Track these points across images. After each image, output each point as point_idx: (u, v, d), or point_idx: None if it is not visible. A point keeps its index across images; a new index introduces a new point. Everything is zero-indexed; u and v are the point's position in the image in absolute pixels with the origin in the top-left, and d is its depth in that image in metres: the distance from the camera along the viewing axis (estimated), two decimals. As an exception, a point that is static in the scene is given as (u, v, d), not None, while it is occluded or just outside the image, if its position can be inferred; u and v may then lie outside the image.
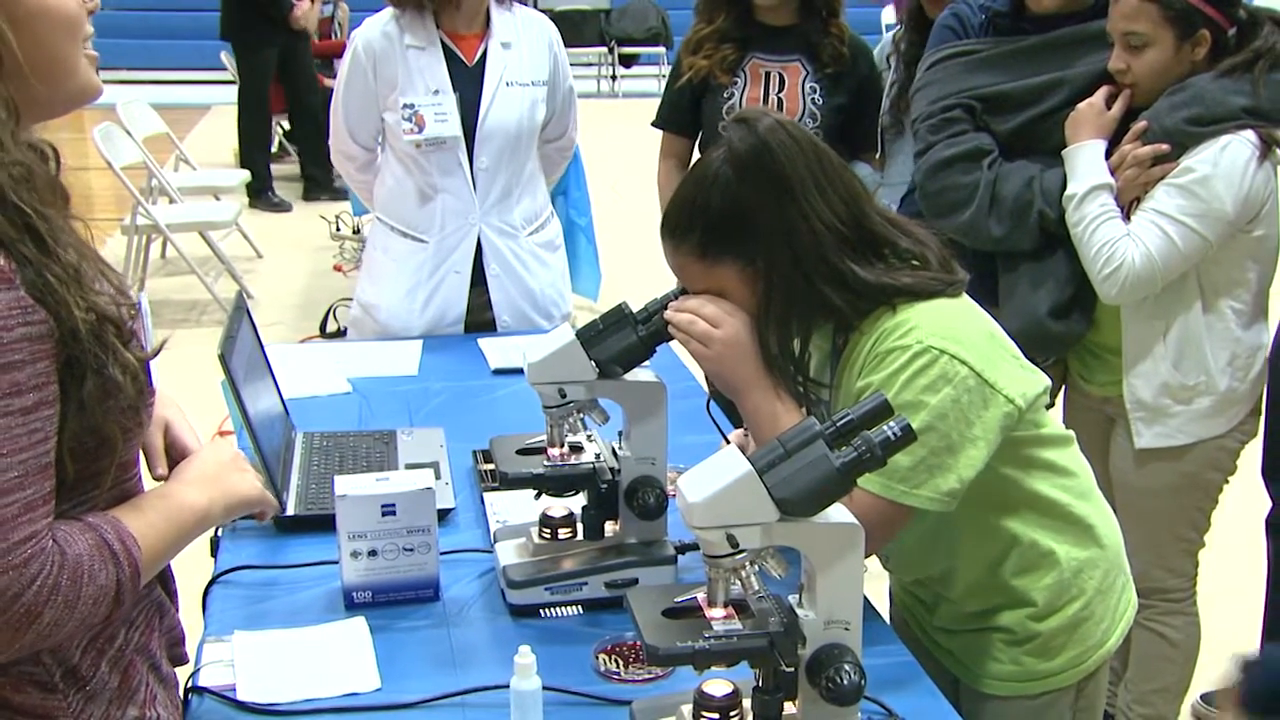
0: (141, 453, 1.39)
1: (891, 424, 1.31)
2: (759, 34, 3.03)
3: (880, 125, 3.12)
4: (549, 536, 1.80)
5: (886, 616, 1.88)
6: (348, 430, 2.30)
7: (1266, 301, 2.41)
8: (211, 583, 1.82)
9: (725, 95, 3.04)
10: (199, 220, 6.28)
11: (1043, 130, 2.41)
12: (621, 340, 1.73)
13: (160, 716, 1.33)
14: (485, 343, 2.82)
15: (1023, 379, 1.62)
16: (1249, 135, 2.22)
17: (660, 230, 1.68)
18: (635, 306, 1.76)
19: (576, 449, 1.81)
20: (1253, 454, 2.45)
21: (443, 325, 2.92)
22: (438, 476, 2.08)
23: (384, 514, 1.71)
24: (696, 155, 3.06)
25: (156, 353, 1.31)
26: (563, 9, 11.28)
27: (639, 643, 1.39)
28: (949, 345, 1.56)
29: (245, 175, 7.45)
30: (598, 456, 1.80)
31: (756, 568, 1.33)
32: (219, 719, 1.50)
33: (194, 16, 12.32)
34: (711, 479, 1.27)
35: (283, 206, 7.99)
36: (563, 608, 1.73)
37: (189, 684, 1.53)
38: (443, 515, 1.96)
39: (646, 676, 1.57)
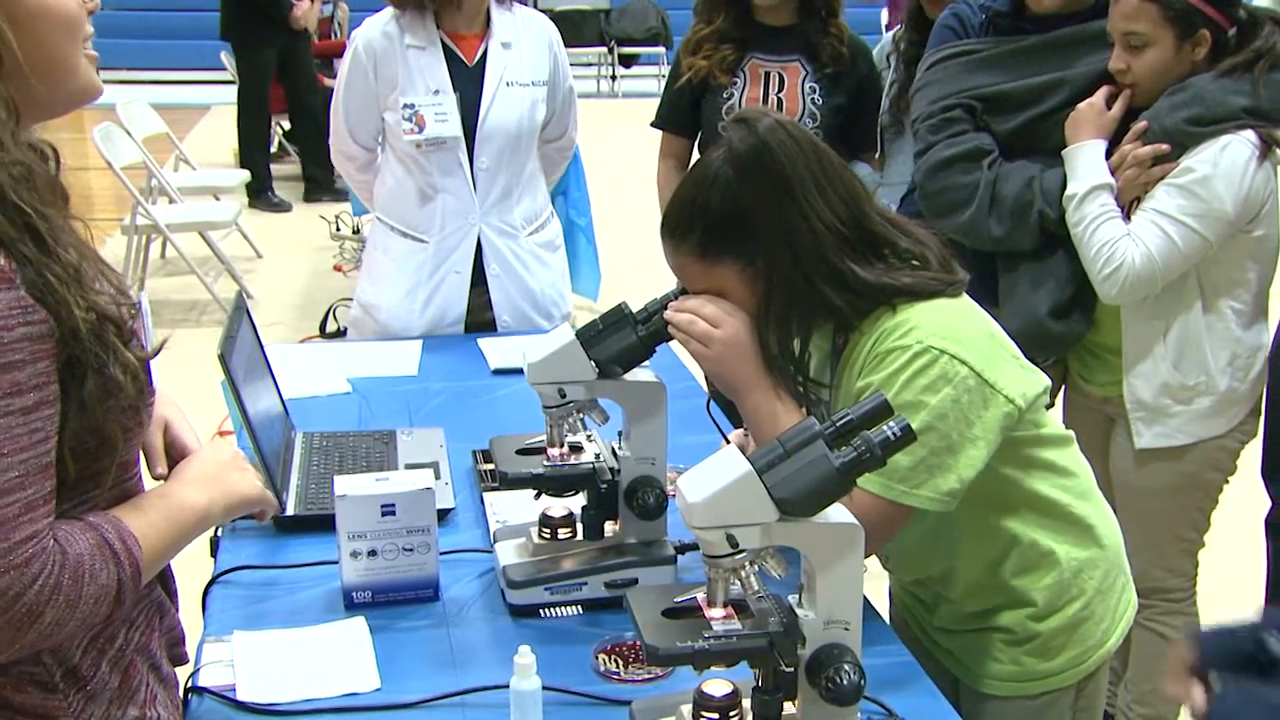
0: (141, 452, 1.39)
1: (891, 424, 1.31)
2: (758, 34, 3.03)
3: (880, 125, 3.12)
4: (549, 536, 1.80)
5: (886, 616, 1.88)
6: (347, 430, 2.30)
7: (1266, 301, 2.41)
8: (211, 583, 1.82)
9: (725, 95, 3.04)
10: (199, 220, 6.28)
11: (1043, 130, 2.41)
12: (621, 340, 1.73)
13: (160, 716, 1.33)
14: (485, 343, 2.82)
15: (1023, 379, 1.62)
16: (1249, 135, 2.22)
17: (660, 230, 1.68)
18: (635, 306, 1.77)
19: (576, 449, 1.81)
20: (1253, 454, 2.45)
21: (443, 325, 2.92)
22: (437, 476, 2.08)
23: (384, 514, 1.71)
24: (696, 155, 3.06)
25: (157, 352, 1.32)
26: (563, 9, 11.28)
27: (639, 643, 1.39)
28: (949, 345, 1.56)
29: (245, 175, 7.46)
30: (597, 456, 1.80)
31: (756, 568, 1.33)
32: (219, 719, 1.50)
33: (194, 16, 12.33)
34: (711, 479, 1.28)
35: (282, 206, 7.99)
36: (562, 608, 1.73)
37: (189, 684, 1.53)
38: (442, 515, 1.96)
39: (646, 676, 1.57)
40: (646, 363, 1.77)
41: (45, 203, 1.18)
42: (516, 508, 1.98)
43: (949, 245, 1.71)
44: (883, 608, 1.87)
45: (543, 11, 3.14)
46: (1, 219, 1.13)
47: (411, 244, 2.88)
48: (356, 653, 1.62)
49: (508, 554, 1.78)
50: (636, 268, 4.39)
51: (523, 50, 2.86)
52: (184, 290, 6.26)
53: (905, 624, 1.91)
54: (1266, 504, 2.48)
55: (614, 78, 12.87)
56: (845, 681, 1.31)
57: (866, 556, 1.41)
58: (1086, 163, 2.31)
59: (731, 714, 1.36)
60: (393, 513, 1.71)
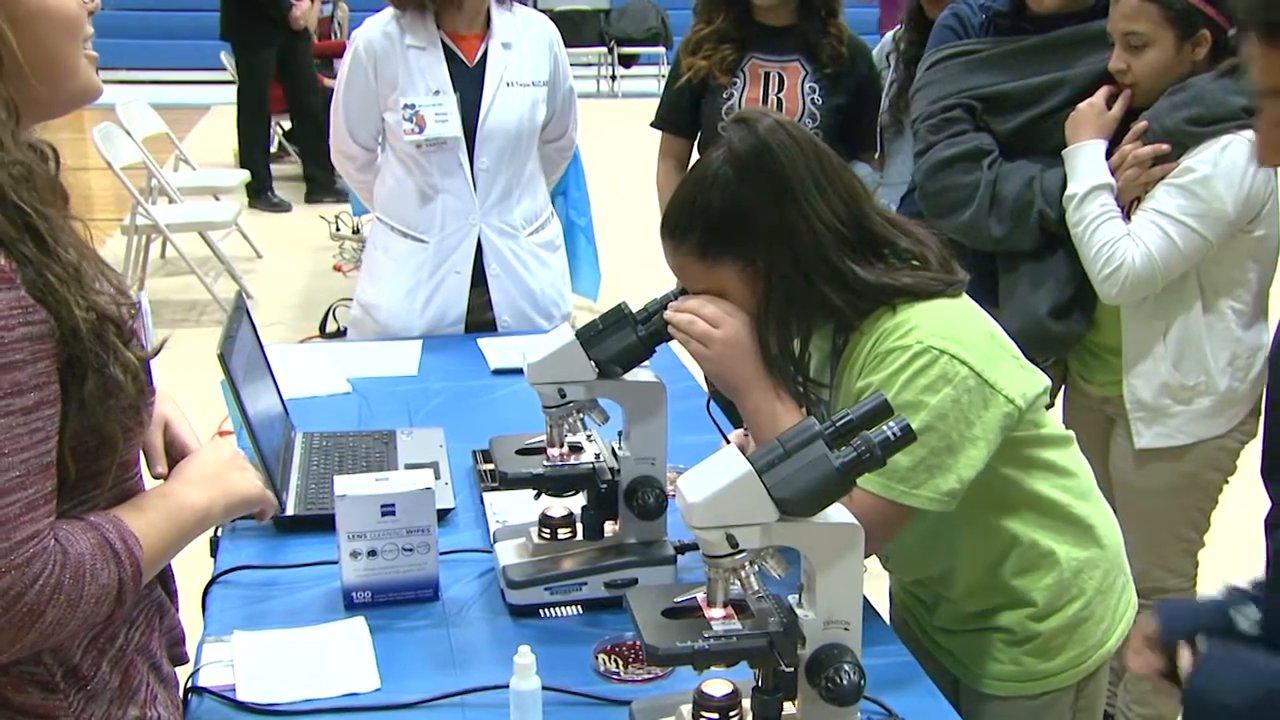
0: (141, 452, 1.39)
1: (891, 424, 1.31)
2: (758, 34, 3.04)
3: (879, 125, 3.12)
4: (549, 536, 1.80)
5: (886, 616, 1.88)
6: (347, 430, 2.30)
7: (1267, 301, 2.41)
8: (211, 583, 1.82)
9: (724, 96, 3.04)
10: (199, 220, 6.28)
11: (1043, 130, 2.41)
12: (621, 340, 1.73)
13: (161, 716, 1.33)
14: (485, 343, 2.82)
15: (1023, 379, 1.62)
16: (1249, 135, 2.22)
17: (660, 230, 1.68)
18: (635, 306, 1.77)
19: (576, 449, 1.81)
20: (1253, 454, 2.44)
21: (443, 325, 2.92)
22: (437, 476, 2.08)
23: (383, 514, 1.71)
24: (696, 155, 3.06)
25: (157, 352, 1.32)
26: (563, 9, 11.28)
27: (639, 643, 1.39)
28: (949, 345, 1.56)
29: (245, 175, 7.46)
30: (597, 456, 1.80)
31: (756, 568, 1.33)
32: (219, 719, 1.50)
33: (194, 16, 12.33)
34: (711, 479, 1.27)
35: (282, 206, 7.99)
36: (562, 608, 1.73)
37: (189, 684, 1.53)
38: (442, 515, 1.96)
39: (646, 676, 1.57)
40: (646, 363, 1.77)
41: (45, 203, 1.18)
42: (516, 508, 1.98)
43: (949, 245, 1.71)
44: (883, 608, 1.87)
45: (543, 11, 3.14)
46: (2, 219, 1.13)
47: (412, 244, 2.88)
48: (356, 653, 1.62)
49: (507, 554, 1.78)
50: (636, 268, 4.39)
51: (523, 50, 2.86)
52: (184, 290, 6.26)
53: (905, 624, 1.91)
54: (1266, 504, 2.48)
55: (614, 78, 12.87)
56: (845, 681, 1.31)
57: (866, 556, 1.41)
58: (1086, 163, 2.31)
59: (731, 714, 1.36)
60: (393, 513, 1.71)
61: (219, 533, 1.93)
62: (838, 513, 1.32)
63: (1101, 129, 2.32)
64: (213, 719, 1.50)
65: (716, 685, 1.36)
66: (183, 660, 1.47)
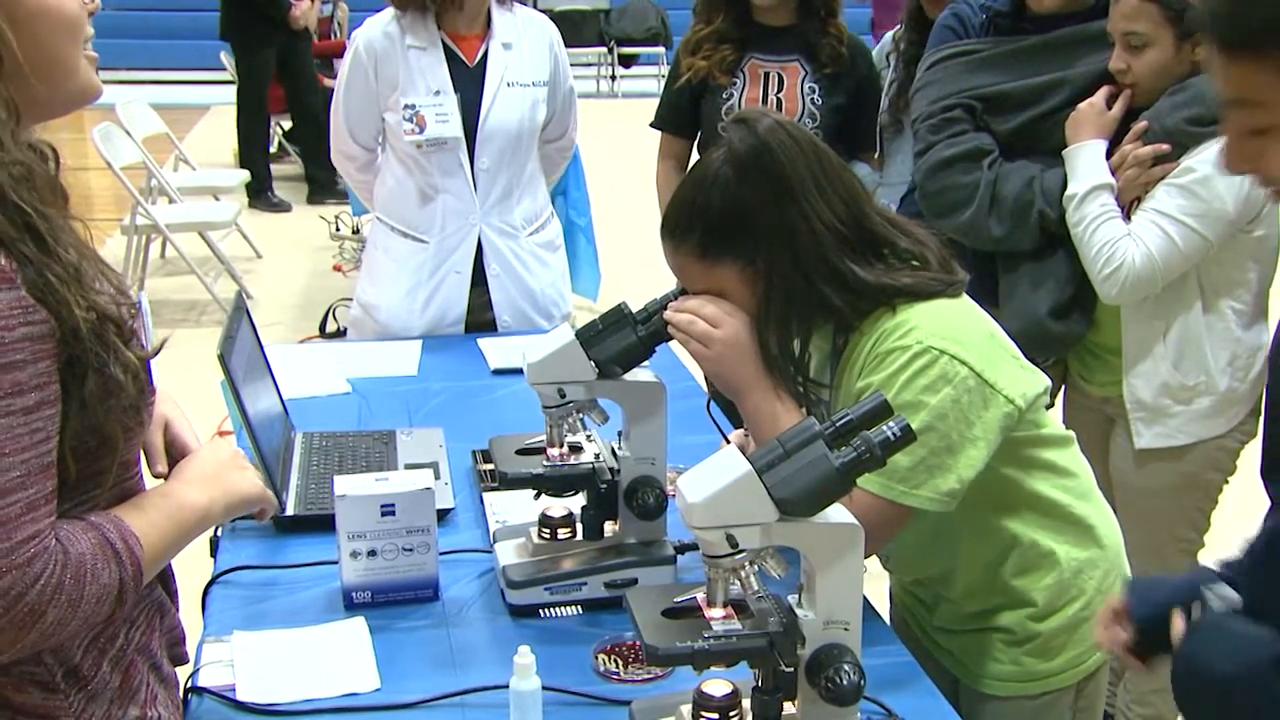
0: (142, 451, 1.39)
1: (891, 424, 1.31)
2: (757, 34, 3.04)
3: (879, 125, 3.12)
4: (548, 536, 1.80)
5: (886, 616, 1.88)
6: (347, 430, 2.30)
7: (1267, 301, 2.41)
8: (211, 583, 1.81)
9: (724, 96, 3.04)
10: (198, 220, 6.28)
11: (1043, 130, 2.41)
12: (621, 340, 1.73)
13: (161, 716, 1.33)
14: (485, 343, 2.82)
15: (1023, 379, 1.62)
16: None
17: (660, 231, 1.68)
18: (635, 306, 1.77)
19: (576, 449, 1.81)
20: (1253, 454, 2.45)
21: (443, 325, 2.92)
22: (437, 477, 2.08)
23: (383, 514, 1.71)
24: (695, 156, 3.06)
25: (157, 351, 1.32)
26: (562, 9, 11.28)
27: (638, 643, 1.39)
28: (949, 345, 1.56)
29: (245, 175, 7.46)
30: (597, 456, 1.80)
31: (756, 568, 1.33)
32: (219, 719, 1.50)
33: (194, 16, 12.33)
34: (711, 479, 1.28)
35: (282, 206, 7.99)
36: (562, 608, 1.73)
37: (188, 684, 1.53)
38: (442, 515, 1.96)
39: (646, 676, 1.57)
40: (646, 363, 1.77)
41: (45, 203, 1.18)
42: (516, 508, 1.98)
43: (949, 245, 1.71)
44: (883, 608, 1.87)
45: (543, 11, 3.15)
46: (2, 219, 1.13)
47: (412, 244, 2.88)
48: (356, 653, 1.62)
49: (507, 554, 1.78)
50: (636, 268, 4.39)
51: (523, 51, 2.86)
52: (184, 290, 6.26)
53: (905, 624, 1.91)
54: (1266, 504, 2.48)
55: (614, 78, 12.87)
56: (845, 681, 1.31)
57: (866, 557, 1.41)
58: (1087, 163, 2.31)
59: (731, 714, 1.36)
60: (392, 513, 1.71)
61: (219, 533, 1.93)
62: (838, 513, 1.32)
63: (1102, 129, 2.32)
64: (213, 719, 1.50)
65: (716, 685, 1.36)
66: (183, 660, 1.47)
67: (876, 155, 3.17)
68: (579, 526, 1.81)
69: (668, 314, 1.69)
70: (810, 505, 1.29)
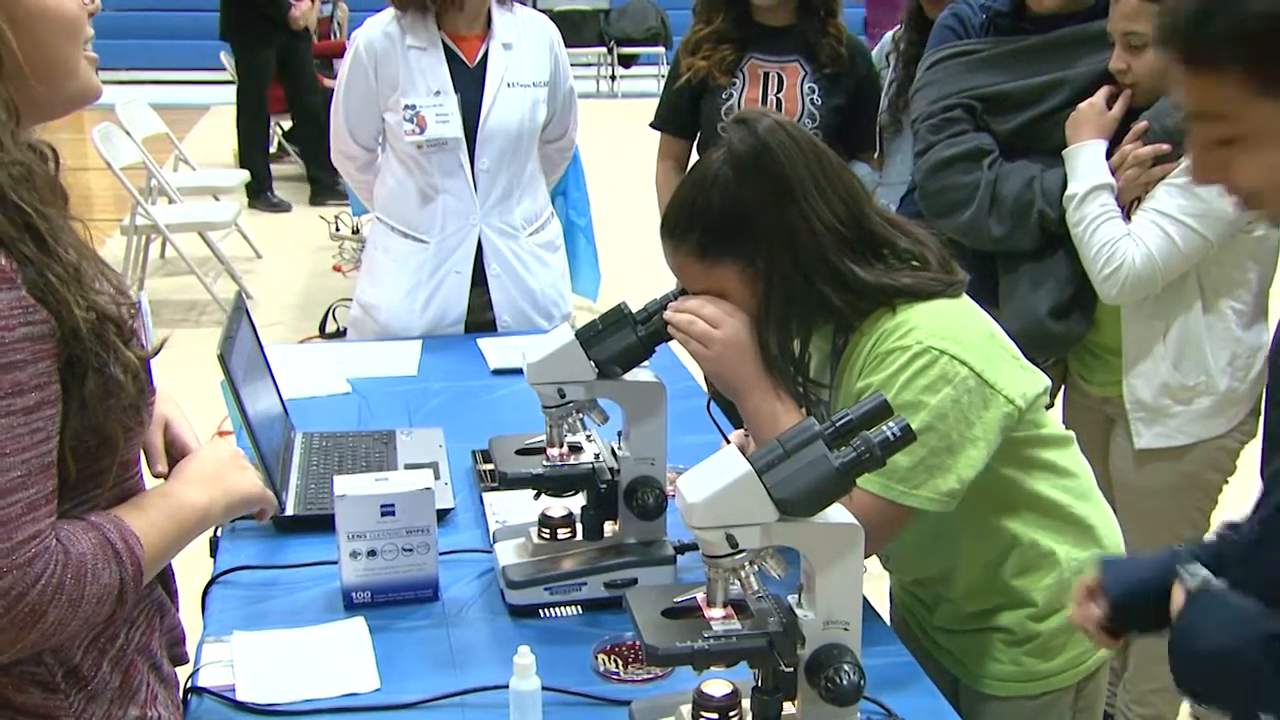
0: (142, 451, 1.39)
1: (891, 424, 1.31)
2: (757, 35, 3.04)
3: (879, 125, 3.12)
4: (548, 537, 1.80)
5: (886, 616, 1.88)
6: (347, 430, 2.30)
7: (1267, 301, 2.41)
8: (211, 583, 1.82)
9: (724, 96, 3.04)
10: (198, 220, 6.28)
11: (1043, 130, 2.41)
12: (621, 340, 1.73)
13: (161, 716, 1.33)
14: (485, 343, 2.82)
15: (1023, 379, 1.62)
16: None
17: (660, 231, 1.68)
18: (635, 306, 1.77)
19: (576, 449, 1.81)
20: (1253, 454, 2.45)
21: (443, 325, 2.92)
22: (437, 477, 2.08)
23: (383, 514, 1.71)
24: (695, 156, 3.06)
25: (157, 351, 1.32)
26: (562, 9, 11.28)
27: (638, 643, 1.39)
28: (949, 346, 1.56)
29: (245, 175, 7.46)
30: (597, 456, 1.80)
31: (756, 568, 1.33)
32: (219, 719, 1.50)
33: (194, 16, 12.33)
34: (711, 479, 1.28)
35: (282, 207, 7.99)
36: (562, 608, 1.73)
37: (188, 684, 1.53)
38: (442, 515, 1.96)
39: (646, 676, 1.57)
40: (646, 363, 1.77)
41: (45, 203, 1.18)
42: (516, 508, 1.98)
43: (949, 245, 1.71)
44: (883, 608, 1.87)
45: (542, 11, 3.15)
46: (2, 219, 1.13)
47: (412, 244, 2.88)
48: (356, 653, 1.62)
49: (507, 554, 1.78)
50: (636, 268, 4.39)
51: (524, 51, 2.87)
52: (184, 290, 6.26)
53: (905, 624, 1.91)
54: (1266, 504, 2.48)
55: (614, 78, 12.87)
56: (845, 681, 1.31)
57: (866, 557, 1.41)
58: (1087, 163, 2.31)
59: (731, 714, 1.36)
60: (392, 513, 1.71)
61: (219, 533, 1.93)
62: (838, 513, 1.32)
63: (1102, 129, 2.32)
64: (213, 719, 1.50)
65: (716, 685, 1.36)
66: (183, 660, 1.47)
67: (876, 155, 3.17)
68: (579, 526, 1.81)
69: (667, 314, 1.69)
70: (810, 505, 1.29)
